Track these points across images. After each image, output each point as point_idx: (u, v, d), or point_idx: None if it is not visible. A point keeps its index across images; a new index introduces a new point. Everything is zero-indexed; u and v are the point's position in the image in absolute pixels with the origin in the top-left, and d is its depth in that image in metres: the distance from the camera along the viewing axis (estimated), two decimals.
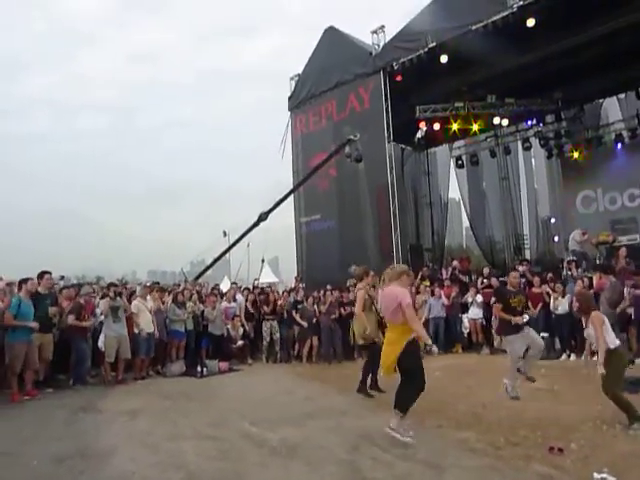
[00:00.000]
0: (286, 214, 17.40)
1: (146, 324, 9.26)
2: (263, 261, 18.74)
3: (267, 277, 20.44)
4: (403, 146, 18.77)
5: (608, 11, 11.65)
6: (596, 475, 3.89)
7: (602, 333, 5.22)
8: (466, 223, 22.06)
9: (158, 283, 12.39)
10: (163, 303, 10.04)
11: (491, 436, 4.98)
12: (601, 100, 17.26)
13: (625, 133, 16.62)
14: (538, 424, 5.26)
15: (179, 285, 12.56)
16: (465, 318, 11.70)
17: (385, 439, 4.82)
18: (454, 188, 20.46)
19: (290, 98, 18.10)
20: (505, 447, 4.68)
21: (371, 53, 15.24)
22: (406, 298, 4.95)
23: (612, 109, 17.47)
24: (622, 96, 16.60)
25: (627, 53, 12.65)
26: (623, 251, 10.65)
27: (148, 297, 9.73)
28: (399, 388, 5.00)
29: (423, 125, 16.44)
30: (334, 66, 16.28)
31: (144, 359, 9.25)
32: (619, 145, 16.65)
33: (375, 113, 15.09)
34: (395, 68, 14.49)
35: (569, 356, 9.81)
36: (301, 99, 17.67)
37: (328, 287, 11.82)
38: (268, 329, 11.25)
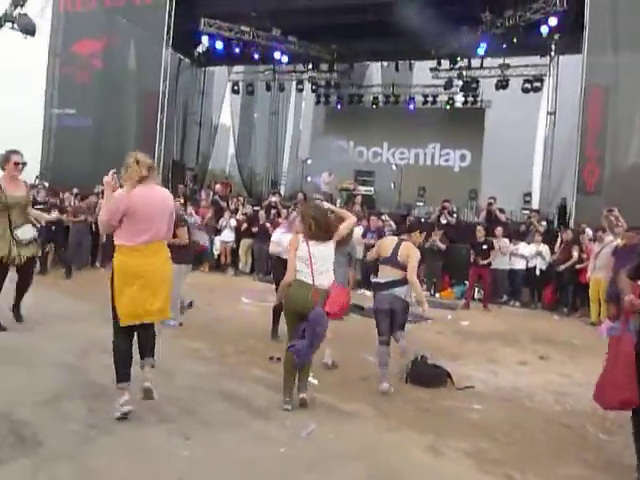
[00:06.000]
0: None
1: None
2: None
3: None
4: (181, 56, 17.69)
5: None
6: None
7: None
8: (232, 150, 22.32)
9: None
10: None
11: (221, 346, 5.40)
12: (368, 62, 19.07)
13: (380, 97, 18.80)
14: (263, 336, 5.88)
15: None
16: (217, 240, 12.09)
17: None
18: (226, 113, 20.44)
19: None
20: (232, 355, 5.16)
21: None
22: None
23: (375, 73, 19.51)
24: (385, 64, 18.58)
25: (396, 26, 14.00)
26: (359, 199, 12.32)
27: None
28: None
29: (206, 40, 15.71)
30: None
31: None
32: (374, 107, 18.81)
33: (156, 11, 13.85)
34: None
35: None
36: None
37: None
38: None
